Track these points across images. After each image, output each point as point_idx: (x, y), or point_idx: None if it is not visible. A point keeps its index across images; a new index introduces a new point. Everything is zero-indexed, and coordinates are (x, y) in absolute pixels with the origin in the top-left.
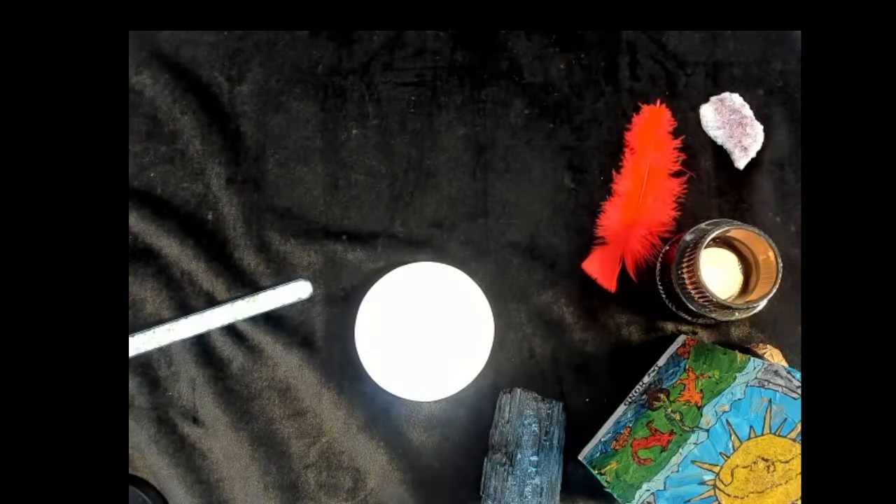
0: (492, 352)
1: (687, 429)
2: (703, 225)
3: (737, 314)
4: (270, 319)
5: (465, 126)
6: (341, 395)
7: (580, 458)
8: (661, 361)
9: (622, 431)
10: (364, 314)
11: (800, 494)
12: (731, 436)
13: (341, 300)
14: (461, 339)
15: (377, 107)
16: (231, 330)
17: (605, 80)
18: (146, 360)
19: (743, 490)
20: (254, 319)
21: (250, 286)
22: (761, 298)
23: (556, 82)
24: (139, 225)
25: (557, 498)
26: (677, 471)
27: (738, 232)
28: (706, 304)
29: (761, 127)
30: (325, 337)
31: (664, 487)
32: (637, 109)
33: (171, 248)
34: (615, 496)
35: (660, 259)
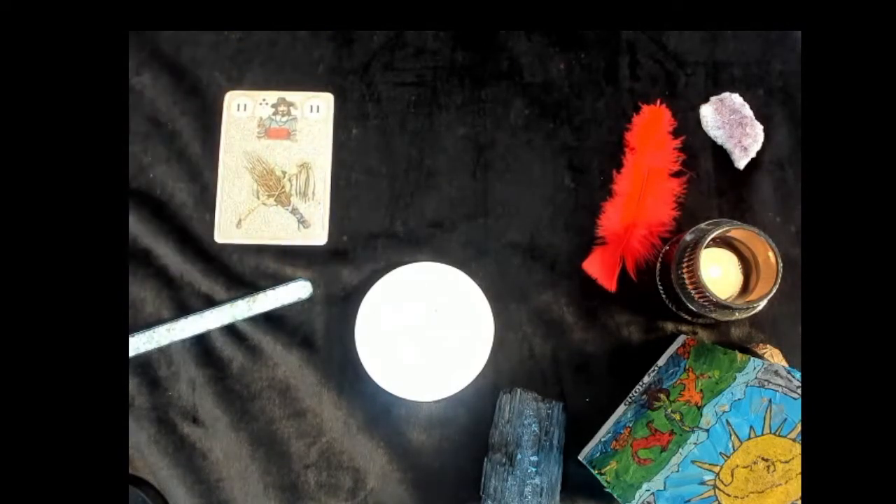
0: (492, 352)
1: (687, 429)
2: (703, 225)
3: (737, 314)
4: (270, 319)
5: (465, 126)
6: (341, 395)
7: (580, 458)
8: (661, 361)
9: (622, 431)
10: (364, 314)
11: (800, 494)
12: (731, 436)
13: (341, 300)
14: (461, 339)
15: (377, 107)
16: (231, 330)
17: (605, 80)
18: (146, 360)
19: (743, 490)
20: (254, 319)
21: (250, 286)
22: (761, 298)
23: (556, 82)
24: (139, 225)
25: (557, 498)
26: (677, 471)
27: (738, 232)
28: (706, 304)
29: (761, 127)
30: (325, 337)
31: (664, 487)
32: (637, 109)
33: (171, 248)
34: (615, 496)
35: (660, 259)
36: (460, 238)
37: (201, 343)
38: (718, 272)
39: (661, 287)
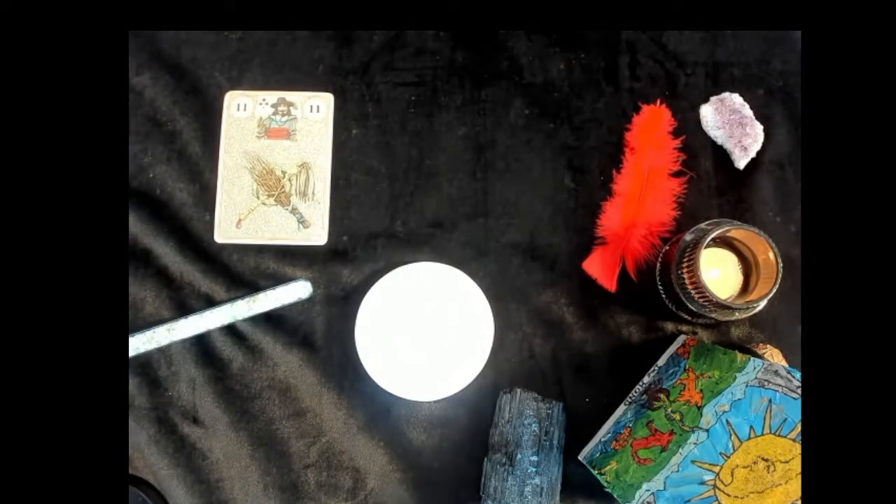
0: (492, 352)
1: (687, 429)
2: (703, 225)
3: (737, 314)
4: (270, 319)
5: (465, 126)
6: (341, 395)
7: (580, 458)
8: (661, 361)
9: (622, 431)
10: (364, 314)
11: (800, 494)
12: (731, 436)
13: (341, 300)
14: (461, 339)
15: (377, 107)
16: (231, 330)
17: (605, 80)
18: (146, 360)
19: (743, 490)
20: (254, 319)
21: (250, 286)
22: (761, 298)
23: (556, 82)
24: (139, 225)
25: (557, 498)
26: (677, 471)
27: (738, 232)
28: (706, 304)
29: (761, 127)
30: (325, 337)
31: (664, 487)
32: (637, 109)
33: (171, 248)
34: (615, 496)
35: (660, 259)
36: (460, 238)
37: (201, 343)
38: (718, 272)
39: (661, 287)
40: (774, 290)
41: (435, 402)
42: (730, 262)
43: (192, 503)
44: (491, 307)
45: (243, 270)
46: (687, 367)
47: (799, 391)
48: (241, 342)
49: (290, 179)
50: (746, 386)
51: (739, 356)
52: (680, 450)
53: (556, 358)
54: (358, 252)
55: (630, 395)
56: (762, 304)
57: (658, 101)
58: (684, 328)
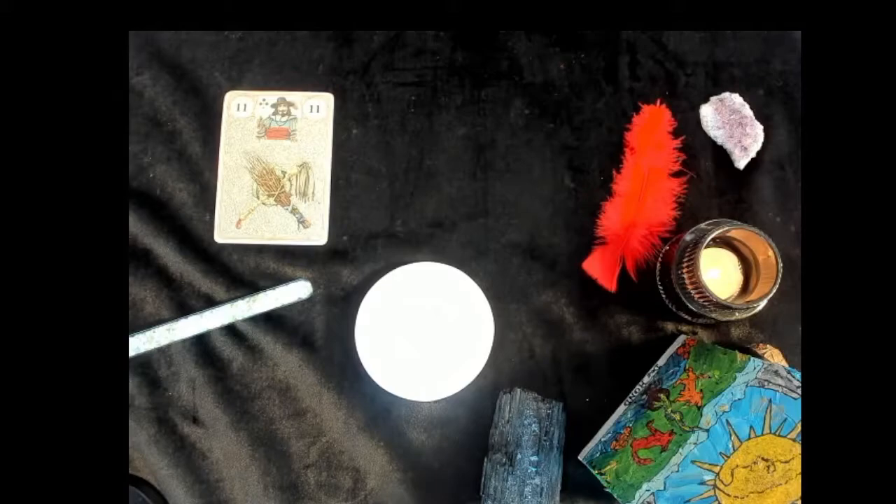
0: (492, 352)
1: (687, 429)
2: (703, 225)
3: (737, 314)
4: (270, 319)
5: (465, 126)
6: (341, 395)
7: (580, 458)
8: (661, 361)
9: (622, 431)
10: (364, 314)
11: (800, 494)
12: (731, 436)
13: (341, 300)
14: (461, 339)
15: (377, 107)
16: (231, 330)
17: (605, 80)
18: (146, 360)
19: (743, 490)
20: (254, 319)
21: (250, 286)
22: (761, 298)
23: (556, 82)
24: (139, 225)
25: (557, 498)
26: (677, 471)
27: (738, 232)
28: (706, 304)
29: (761, 127)
30: (325, 337)
31: (664, 487)
32: (637, 109)
33: (171, 248)
34: (615, 496)
35: (660, 259)
36: (460, 238)
37: (201, 343)
38: (718, 272)
39: (661, 287)
40: (774, 290)
41: (435, 402)
42: (730, 262)
43: (192, 503)
44: (491, 307)
45: (243, 270)
46: (687, 367)
47: (799, 391)
48: (241, 342)
49: (290, 179)
50: (746, 386)
51: (739, 356)
52: (680, 450)
53: (556, 358)
54: (358, 252)
55: (630, 395)
56: (762, 304)
57: (658, 101)
58: (684, 328)
